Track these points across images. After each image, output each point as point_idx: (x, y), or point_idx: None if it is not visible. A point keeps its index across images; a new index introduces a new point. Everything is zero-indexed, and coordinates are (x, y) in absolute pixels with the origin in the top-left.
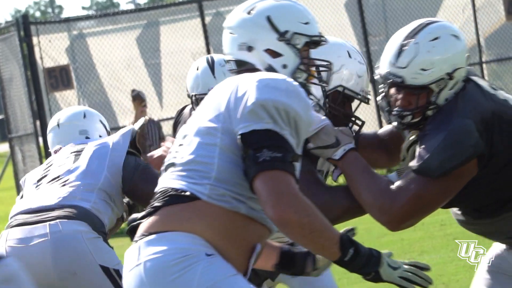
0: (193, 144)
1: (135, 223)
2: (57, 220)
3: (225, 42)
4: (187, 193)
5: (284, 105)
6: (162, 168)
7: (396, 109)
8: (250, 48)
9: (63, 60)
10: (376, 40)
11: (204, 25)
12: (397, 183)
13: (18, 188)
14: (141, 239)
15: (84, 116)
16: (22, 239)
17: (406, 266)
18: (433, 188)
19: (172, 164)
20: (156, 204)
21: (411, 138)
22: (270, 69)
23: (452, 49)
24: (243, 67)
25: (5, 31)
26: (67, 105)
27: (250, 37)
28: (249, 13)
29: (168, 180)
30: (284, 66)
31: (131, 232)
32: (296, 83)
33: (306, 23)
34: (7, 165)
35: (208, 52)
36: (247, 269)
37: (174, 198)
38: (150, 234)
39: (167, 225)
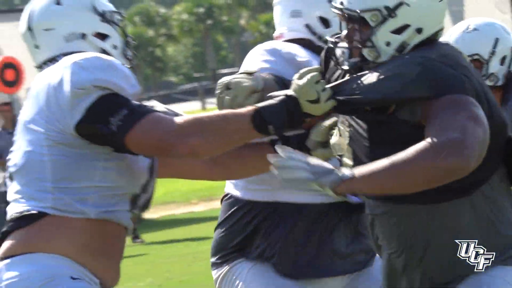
0: (21, 148)
1: None
2: None
3: (43, 41)
4: (33, 212)
5: (103, 82)
6: (6, 175)
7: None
8: (83, 36)
9: None
10: None
11: None
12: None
13: None
14: None
15: None
16: None
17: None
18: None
19: (10, 176)
20: (4, 229)
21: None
22: (104, 53)
23: None
24: None
25: None
26: None
27: (77, 25)
28: (58, 3)
29: (11, 203)
30: (115, 47)
31: None
32: (108, 57)
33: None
34: None
35: None
36: (118, 273)
37: (20, 221)
38: (7, 258)
39: (25, 247)
